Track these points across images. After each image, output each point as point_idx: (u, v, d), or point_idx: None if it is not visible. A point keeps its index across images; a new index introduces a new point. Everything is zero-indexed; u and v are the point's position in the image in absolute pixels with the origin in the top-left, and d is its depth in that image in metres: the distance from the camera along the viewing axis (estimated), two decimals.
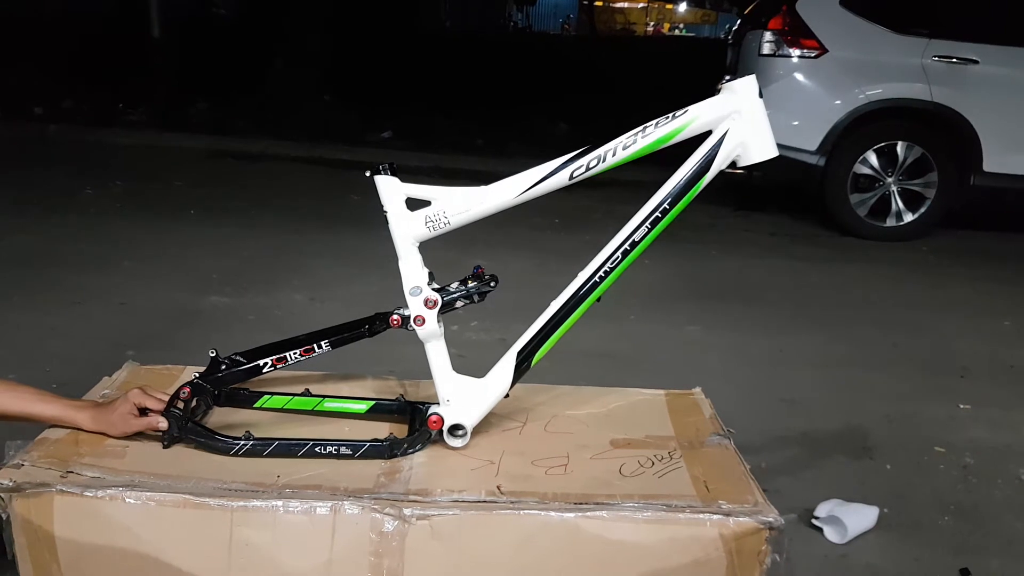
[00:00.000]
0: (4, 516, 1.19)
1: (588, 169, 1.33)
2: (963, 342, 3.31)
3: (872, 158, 4.85)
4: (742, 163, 1.33)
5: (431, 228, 1.36)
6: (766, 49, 4.92)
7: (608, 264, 1.36)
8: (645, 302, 3.40)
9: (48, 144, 6.56)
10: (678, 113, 1.32)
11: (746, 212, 5.32)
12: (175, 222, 4.51)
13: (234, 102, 7.83)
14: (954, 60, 4.69)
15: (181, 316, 3.15)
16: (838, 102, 4.82)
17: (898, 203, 4.89)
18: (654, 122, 1.32)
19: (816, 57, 4.83)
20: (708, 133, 1.33)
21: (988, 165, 4.72)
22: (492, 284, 1.39)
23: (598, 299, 1.38)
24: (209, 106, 7.80)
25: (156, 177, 5.65)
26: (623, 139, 1.33)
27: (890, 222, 4.92)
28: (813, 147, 4.79)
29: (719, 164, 1.32)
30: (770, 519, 1.19)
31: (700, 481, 1.28)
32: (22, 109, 7.20)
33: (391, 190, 1.35)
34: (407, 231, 1.36)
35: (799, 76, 4.88)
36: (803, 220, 5.25)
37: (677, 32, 28.18)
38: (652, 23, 29.01)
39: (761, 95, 1.31)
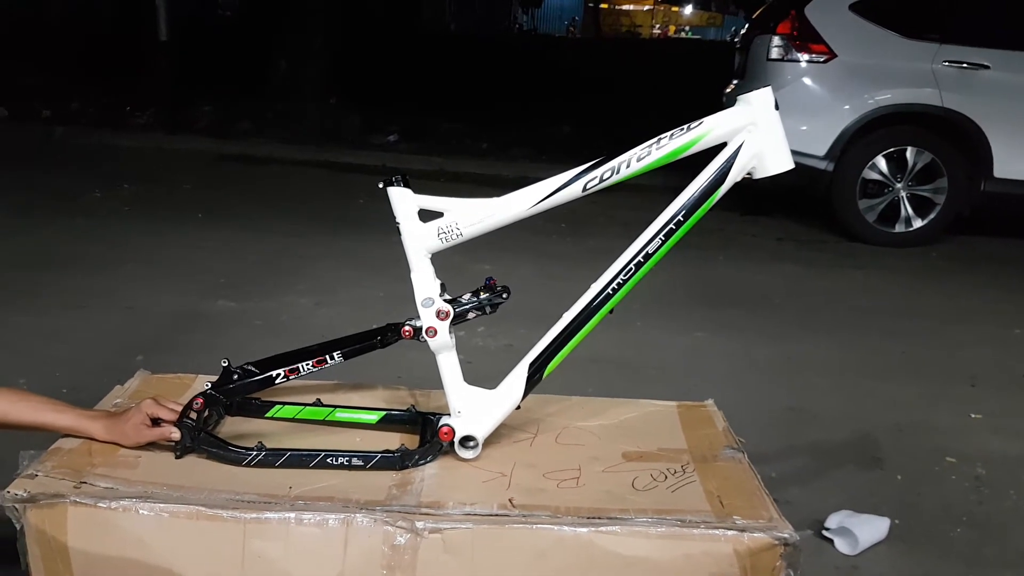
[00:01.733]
0: (18, 527, 1.19)
1: (602, 181, 1.33)
2: (973, 350, 3.29)
3: (881, 163, 4.83)
4: (758, 175, 1.33)
5: (444, 240, 1.36)
6: (774, 54, 4.90)
7: (621, 276, 1.36)
8: (651, 308, 3.39)
9: (55, 146, 6.57)
10: (693, 125, 1.32)
11: (753, 217, 5.30)
12: (182, 225, 4.51)
13: (240, 104, 7.84)
14: (965, 65, 4.67)
15: (188, 320, 3.16)
16: (847, 107, 4.80)
17: (907, 209, 4.87)
18: (668, 134, 1.32)
19: (825, 62, 4.81)
20: (723, 145, 1.33)
21: (999, 171, 4.70)
22: (504, 296, 1.38)
23: (611, 311, 1.38)
24: (215, 109, 7.81)
25: (163, 180, 5.66)
26: (637, 151, 1.32)
27: (899, 228, 4.90)
28: (822, 152, 4.77)
29: (734, 176, 1.32)
30: (785, 535, 1.19)
31: (714, 496, 1.28)
32: (30, 111, 7.22)
33: (404, 201, 1.35)
34: (419, 243, 1.36)
35: (808, 81, 4.87)
36: (810, 225, 5.23)
37: (683, 35, 28.16)
38: (657, 25, 29.01)
39: (777, 107, 1.31)
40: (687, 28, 29.36)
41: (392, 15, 10.71)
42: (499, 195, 1.37)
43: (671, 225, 1.34)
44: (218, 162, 6.45)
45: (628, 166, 1.32)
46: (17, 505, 1.18)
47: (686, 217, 1.33)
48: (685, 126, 1.31)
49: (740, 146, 1.31)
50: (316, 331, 3.02)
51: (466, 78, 9.83)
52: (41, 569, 1.19)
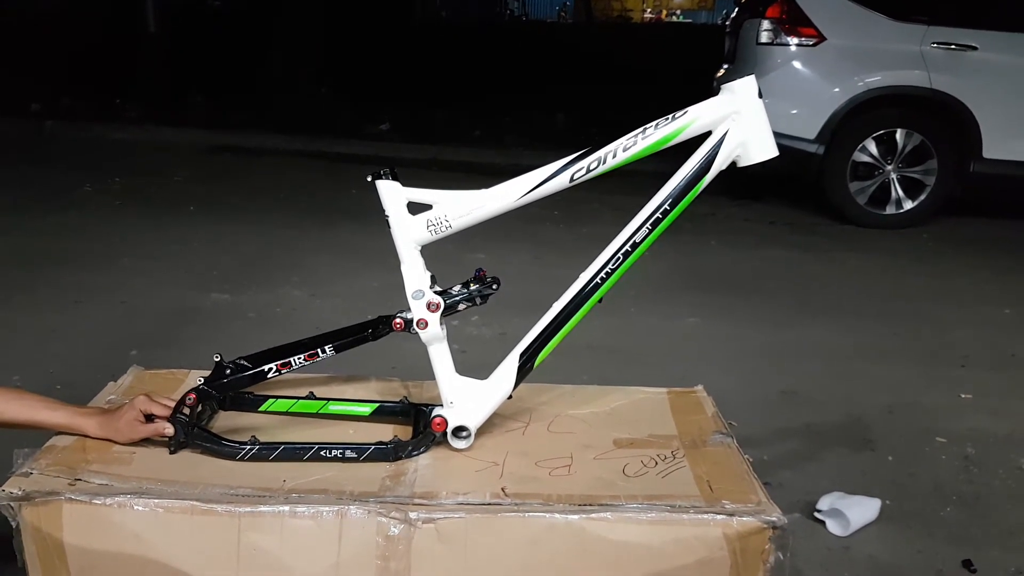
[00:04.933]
0: (14, 524, 1.20)
1: (589, 171, 1.34)
2: (963, 331, 3.31)
3: (871, 146, 4.84)
4: (742, 163, 1.34)
5: (433, 232, 1.36)
6: (764, 38, 4.90)
7: (610, 266, 1.37)
8: (645, 294, 3.41)
9: (46, 141, 6.54)
10: (678, 114, 1.33)
11: (745, 201, 5.32)
12: (174, 218, 4.51)
13: (231, 95, 7.81)
14: (953, 47, 4.67)
15: (182, 314, 3.16)
16: (837, 90, 4.80)
17: (898, 191, 4.89)
18: (654, 123, 1.33)
19: (814, 45, 4.81)
20: (708, 134, 1.33)
21: (988, 151, 4.71)
22: (494, 287, 1.40)
23: (599, 300, 1.39)
24: (206, 100, 7.78)
25: (155, 173, 5.64)
26: (623, 141, 1.33)
27: (890, 210, 4.92)
28: (812, 135, 4.78)
29: (719, 165, 1.33)
30: (773, 518, 1.20)
31: (703, 481, 1.29)
32: (19, 106, 7.18)
33: (392, 195, 1.36)
34: (409, 235, 1.37)
35: (797, 64, 4.87)
36: (802, 209, 5.24)
37: (674, 18, 28.04)
38: (649, 9, 28.87)
39: (761, 95, 1.31)
40: (678, 12, 29.21)
41: (384, 4, 10.65)
42: (493, 184, 1.38)
43: (657, 214, 1.35)
44: (210, 154, 6.43)
45: (614, 156, 1.33)
46: (12, 503, 1.19)
47: (672, 206, 1.35)
48: (670, 116, 1.32)
49: (724, 135, 1.32)
50: (311, 323, 3.02)
51: (458, 66, 9.79)
52: (38, 567, 1.20)
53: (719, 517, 1.20)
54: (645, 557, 1.21)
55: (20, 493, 1.20)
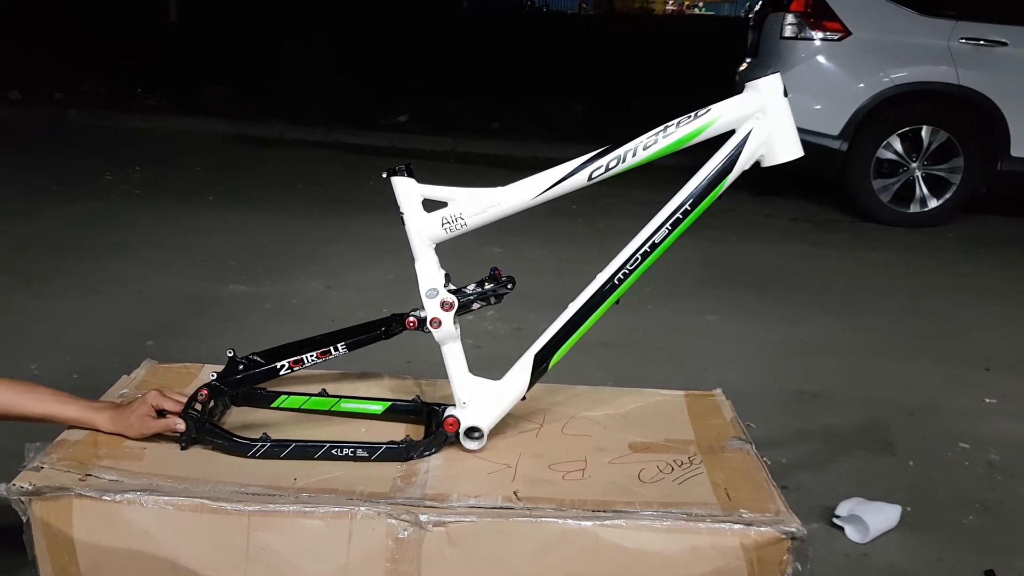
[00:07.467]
0: (24, 519, 1.20)
1: (608, 170, 1.31)
2: (988, 332, 3.25)
3: (896, 143, 4.76)
4: (766, 163, 1.31)
5: (448, 229, 1.34)
6: (788, 31, 4.82)
7: (628, 266, 1.34)
8: (663, 290, 3.36)
9: (67, 128, 6.58)
10: (700, 112, 1.30)
11: (766, 197, 5.25)
12: (193, 208, 4.52)
13: (251, 84, 7.81)
14: (982, 42, 4.58)
15: (199, 304, 3.16)
16: (862, 86, 4.72)
17: (922, 189, 4.81)
18: (676, 121, 1.30)
19: (839, 40, 4.73)
20: (731, 132, 1.30)
21: (1016, 150, 4.61)
22: (509, 286, 1.37)
23: (616, 301, 1.37)
24: (226, 89, 7.79)
25: (174, 162, 5.66)
26: (643, 139, 1.30)
27: (914, 208, 4.84)
28: (836, 131, 4.71)
29: (742, 165, 1.30)
30: (792, 529, 1.17)
31: (721, 488, 1.27)
32: (41, 93, 7.22)
33: (408, 191, 1.34)
34: (424, 232, 1.35)
35: (822, 59, 4.79)
36: (824, 206, 5.17)
37: (697, 11, 27.80)
38: (671, 1, 28.67)
39: (787, 93, 1.28)
40: (700, 4, 28.97)
41: None
42: (510, 177, 1.35)
43: (678, 214, 1.32)
44: (229, 143, 6.44)
45: (634, 155, 1.30)
46: (23, 498, 1.19)
47: (693, 206, 1.32)
48: (692, 114, 1.29)
49: (748, 134, 1.28)
50: (326, 314, 3.03)
51: (477, 57, 9.75)
52: (47, 561, 1.20)
53: (736, 527, 1.18)
54: (659, 566, 1.18)
55: (31, 488, 1.19)
